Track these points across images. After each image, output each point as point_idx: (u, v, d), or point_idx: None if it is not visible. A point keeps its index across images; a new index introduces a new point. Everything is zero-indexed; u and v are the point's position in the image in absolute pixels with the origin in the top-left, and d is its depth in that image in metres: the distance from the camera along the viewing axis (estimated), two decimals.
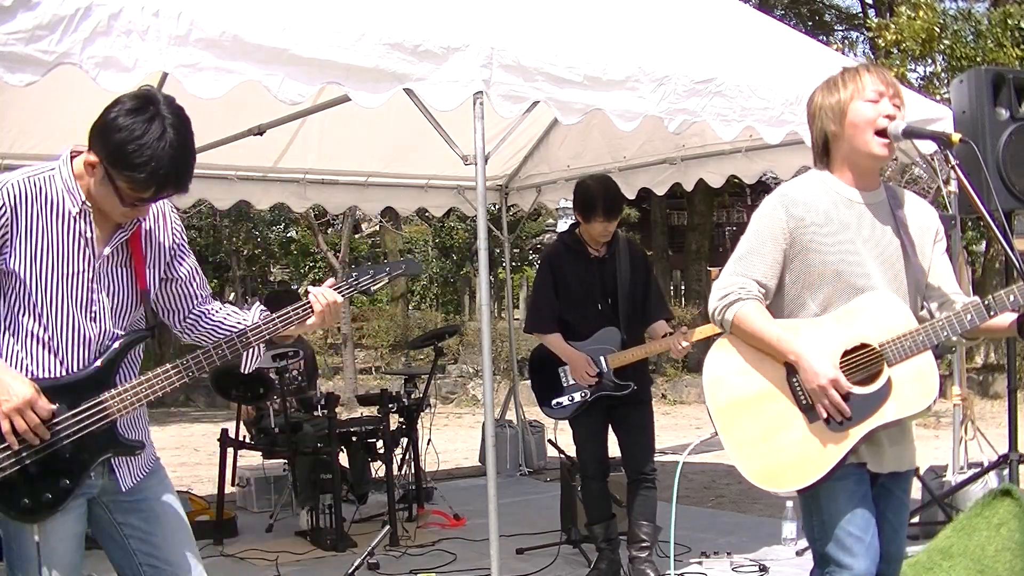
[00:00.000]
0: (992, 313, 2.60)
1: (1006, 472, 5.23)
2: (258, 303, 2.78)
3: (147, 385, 2.50)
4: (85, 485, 2.48)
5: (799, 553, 5.20)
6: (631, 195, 7.45)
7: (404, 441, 6.48)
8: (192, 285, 2.71)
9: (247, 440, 6.38)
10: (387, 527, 4.55)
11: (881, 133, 2.66)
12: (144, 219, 2.58)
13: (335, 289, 2.70)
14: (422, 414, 6.50)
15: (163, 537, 2.60)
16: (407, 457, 6.60)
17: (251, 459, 6.81)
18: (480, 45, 4.07)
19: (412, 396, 6.40)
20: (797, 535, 5.34)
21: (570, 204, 7.23)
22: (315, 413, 6.09)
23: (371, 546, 3.99)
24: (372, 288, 2.78)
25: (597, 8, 5.02)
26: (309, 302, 2.65)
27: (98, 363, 2.48)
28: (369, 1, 4.09)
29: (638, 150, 7.11)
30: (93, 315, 2.49)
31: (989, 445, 5.84)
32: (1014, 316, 2.64)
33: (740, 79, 4.76)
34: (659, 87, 4.52)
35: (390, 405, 6.20)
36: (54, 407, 2.39)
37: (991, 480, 5.29)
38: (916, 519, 5.16)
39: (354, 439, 6.29)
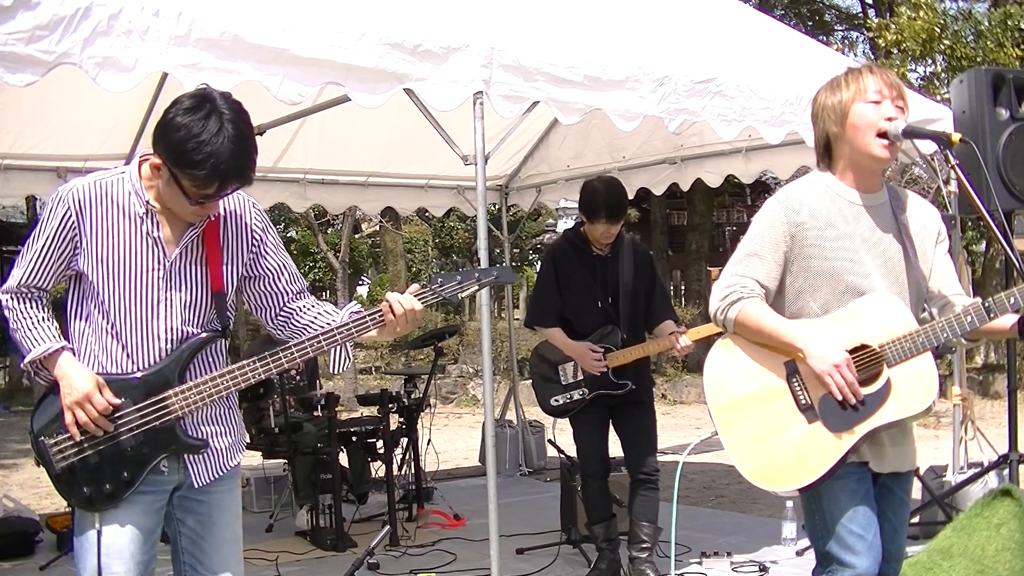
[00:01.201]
0: (992, 316, 2.60)
1: (1006, 472, 5.23)
2: (353, 302, 2.77)
3: (211, 384, 2.54)
4: (155, 481, 2.53)
5: (799, 553, 5.21)
6: (629, 195, 7.44)
7: (404, 441, 6.48)
8: (280, 282, 2.70)
9: (247, 440, 6.38)
10: (387, 527, 4.52)
11: (883, 135, 2.66)
12: (217, 216, 2.60)
13: (417, 296, 2.64)
14: (422, 414, 6.50)
15: (212, 545, 2.63)
16: (407, 457, 6.59)
17: (251, 459, 6.80)
18: (480, 45, 4.07)
19: (412, 396, 6.41)
20: (797, 535, 5.34)
21: (570, 204, 7.24)
22: (315, 413, 6.09)
23: (371, 546, 3.97)
24: (460, 296, 2.67)
25: (597, 8, 5.02)
26: (381, 309, 2.61)
27: (165, 362, 2.53)
28: (369, 1, 4.09)
29: (637, 150, 7.12)
30: (163, 314, 2.53)
31: (989, 445, 5.84)
32: (1015, 318, 2.64)
33: (740, 79, 4.76)
34: (659, 87, 4.52)
35: (390, 405, 6.20)
36: (117, 402, 2.47)
37: (991, 480, 5.29)
38: (916, 519, 5.16)
39: (354, 439, 6.30)
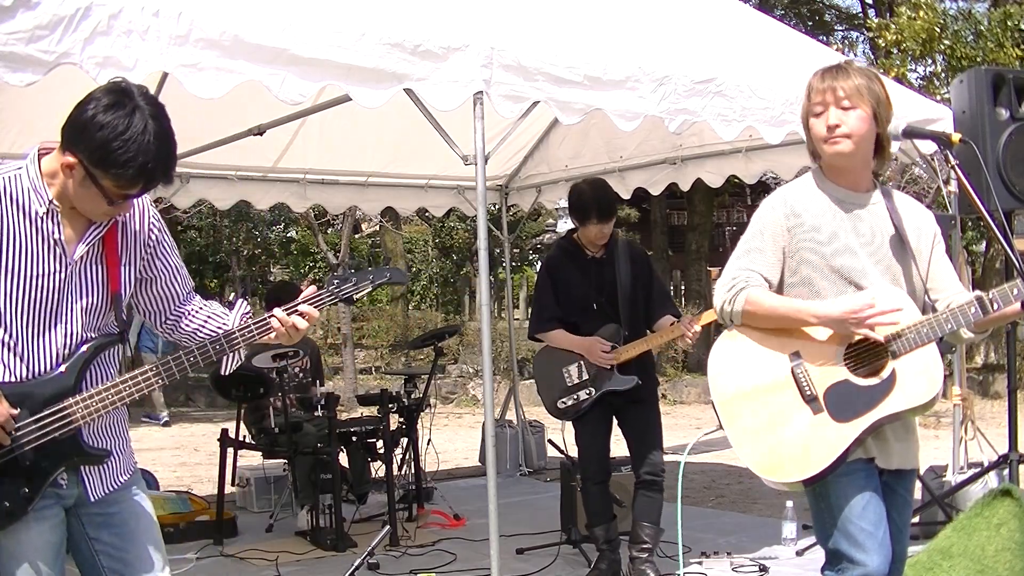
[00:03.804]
0: (995, 307, 2.63)
1: (1006, 472, 5.23)
2: (241, 301, 2.68)
3: (114, 391, 2.40)
4: (55, 495, 2.39)
5: (799, 553, 5.21)
6: (627, 195, 7.45)
7: (404, 441, 6.48)
8: (174, 285, 2.60)
9: (247, 440, 6.39)
10: (387, 527, 4.54)
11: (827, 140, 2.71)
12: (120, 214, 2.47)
13: (314, 300, 2.56)
14: (422, 414, 6.50)
15: (135, 555, 2.50)
16: (407, 457, 6.59)
17: (251, 459, 6.80)
18: (480, 45, 4.07)
19: (412, 396, 6.41)
20: (797, 535, 5.34)
21: None
22: (315, 413, 6.09)
23: (371, 546, 3.99)
24: (355, 296, 2.64)
25: (597, 8, 5.02)
26: (268, 320, 2.52)
27: (62, 368, 2.38)
28: (369, 1, 4.09)
29: (635, 150, 7.12)
30: (61, 318, 2.38)
31: (989, 445, 5.84)
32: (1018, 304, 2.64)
33: (740, 79, 4.76)
34: (659, 87, 4.52)
35: (390, 405, 6.20)
36: (15, 412, 2.30)
37: (991, 480, 5.29)
38: (916, 519, 5.16)
39: (354, 439, 6.29)
